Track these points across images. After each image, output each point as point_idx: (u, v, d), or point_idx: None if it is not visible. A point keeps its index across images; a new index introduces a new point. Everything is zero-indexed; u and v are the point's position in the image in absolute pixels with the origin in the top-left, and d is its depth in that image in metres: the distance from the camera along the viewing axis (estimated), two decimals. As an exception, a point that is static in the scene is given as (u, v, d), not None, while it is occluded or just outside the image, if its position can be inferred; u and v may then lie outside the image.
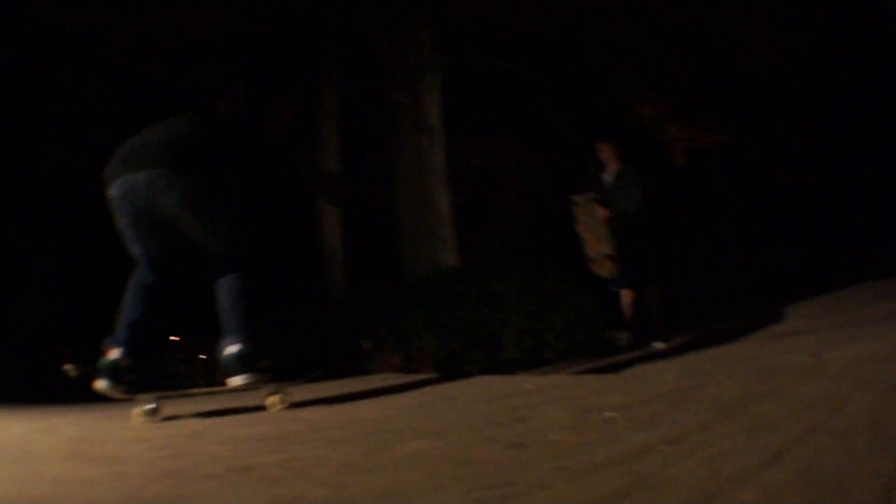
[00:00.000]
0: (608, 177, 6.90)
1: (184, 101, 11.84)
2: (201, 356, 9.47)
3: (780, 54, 10.34)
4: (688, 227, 13.67)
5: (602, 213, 6.56)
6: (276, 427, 2.35)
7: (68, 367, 14.43)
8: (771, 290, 10.41)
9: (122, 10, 9.43)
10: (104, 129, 12.02)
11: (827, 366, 1.82)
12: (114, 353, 3.05)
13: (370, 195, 12.20)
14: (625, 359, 4.91)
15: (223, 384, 3.22)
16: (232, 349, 3.07)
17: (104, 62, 10.55)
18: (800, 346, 3.33)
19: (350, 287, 10.57)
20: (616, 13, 9.55)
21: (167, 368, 9.96)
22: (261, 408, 2.97)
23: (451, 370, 5.43)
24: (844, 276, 10.16)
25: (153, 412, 3.00)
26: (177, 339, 12.40)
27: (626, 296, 6.49)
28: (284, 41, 11.22)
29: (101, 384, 3.02)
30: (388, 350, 6.29)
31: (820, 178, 14.56)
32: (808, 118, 13.55)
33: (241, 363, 3.04)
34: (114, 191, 3.16)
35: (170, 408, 3.19)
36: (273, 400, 3.11)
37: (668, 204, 11.46)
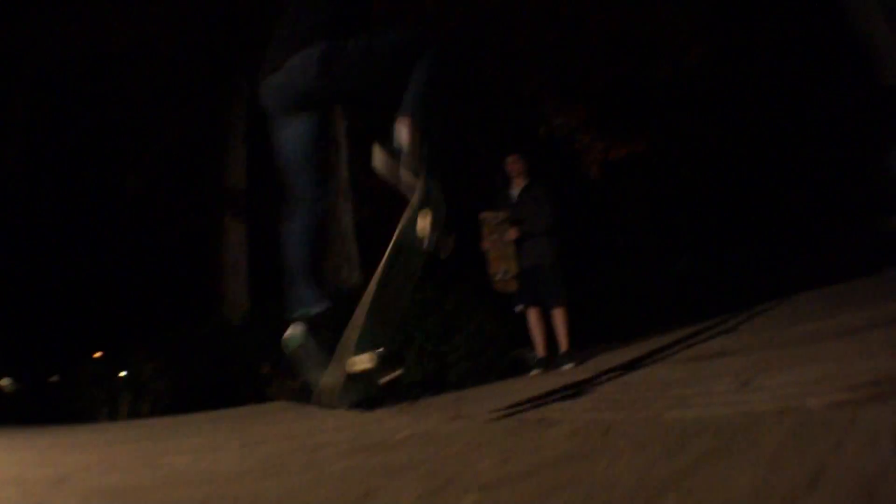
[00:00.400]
0: (514, 192, 6.69)
1: (105, 109, 11.78)
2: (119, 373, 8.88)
3: (707, 54, 10.42)
4: (602, 240, 13.60)
5: (512, 233, 6.34)
6: (134, 478, 2.17)
7: (3, 383, 13.72)
8: (693, 304, 10.31)
9: (42, 21, 9.69)
10: (31, 142, 11.76)
11: (764, 425, 1.35)
12: (313, 310, 3.13)
13: (274, 210, 11.82)
14: (523, 386, 4.56)
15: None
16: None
17: (28, 72, 10.76)
18: (725, 371, 2.98)
19: (254, 306, 10.36)
20: (527, 17, 9.31)
21: (77, 391, 9.29)
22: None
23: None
24: (770, 288, 10.15)
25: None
26: (100, 354, 11.74)
27: (532, 314, 6.25)
28: (196, 52, 11.31)
29: (294, 330, 3.09)
30: (287, 375, 6.15)
31: (742, 185, 14.71)
32: (727, 124, 13.67)
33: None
34: (262, 101, 3.19)
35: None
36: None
37: (580, 217, 11.32)
